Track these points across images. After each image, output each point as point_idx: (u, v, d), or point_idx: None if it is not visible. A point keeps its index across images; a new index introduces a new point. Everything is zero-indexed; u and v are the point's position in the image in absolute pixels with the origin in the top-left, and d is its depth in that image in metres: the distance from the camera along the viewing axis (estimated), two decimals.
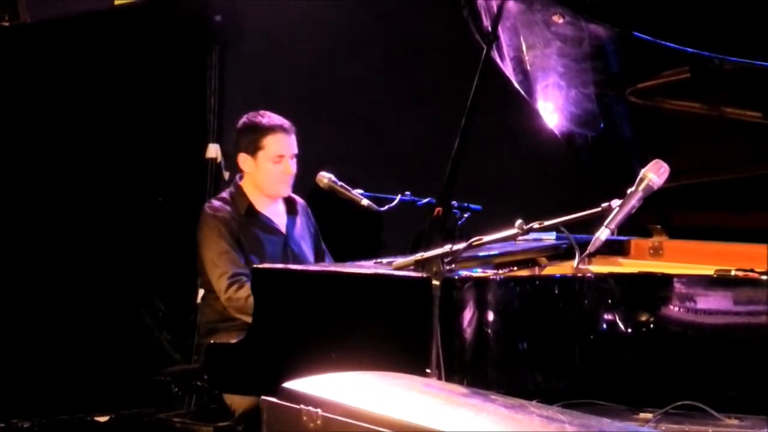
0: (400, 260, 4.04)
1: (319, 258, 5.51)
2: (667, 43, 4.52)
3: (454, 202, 5.00)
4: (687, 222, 4.98)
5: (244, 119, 5.36)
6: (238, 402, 5.02)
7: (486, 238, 3.81)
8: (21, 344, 5.94)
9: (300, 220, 5.47)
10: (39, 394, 5.96)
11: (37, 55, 6.02)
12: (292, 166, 5.30)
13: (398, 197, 5.23)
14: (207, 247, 5.20)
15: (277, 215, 5.40)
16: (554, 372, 4.16)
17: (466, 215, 5.18)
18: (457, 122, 4.67)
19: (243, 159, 5.32)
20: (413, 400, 3.05)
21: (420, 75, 6.54)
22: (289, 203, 5.45)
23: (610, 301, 4.22)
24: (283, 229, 5.38)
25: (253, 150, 5.28)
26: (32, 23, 5.85)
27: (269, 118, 5.31)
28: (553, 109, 5.03)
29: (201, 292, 5.54)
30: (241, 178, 5.38)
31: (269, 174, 5.29)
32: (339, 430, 2.89)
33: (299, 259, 5.35)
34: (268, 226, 5.33)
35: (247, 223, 5.27)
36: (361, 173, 5.83)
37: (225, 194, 5.37)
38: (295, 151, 5.32)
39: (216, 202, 5.32)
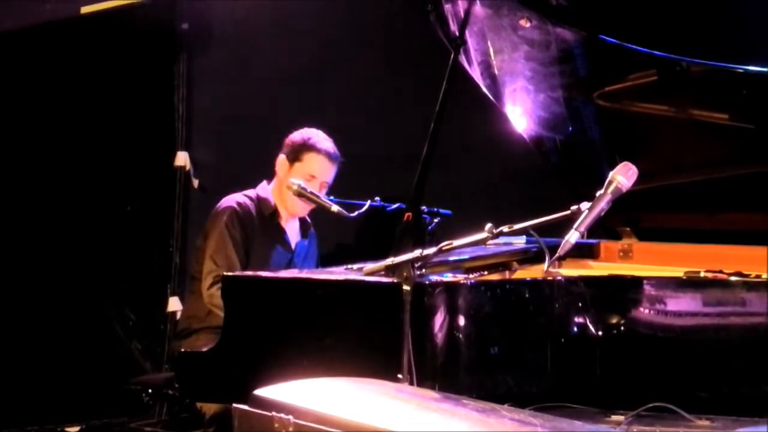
0: (370, 266, 4.03)
1: None
2: (634, 46, 4.54)
3: (424, 207, 5.00)
4: (656, 224, 4.99)
5: (303, 131, 5.35)
6: (207, 405, 5.01)
7: (456, 243, 3.81)
8: None
9: (309, 246, 5.49)
10: (8, 405, 5.93)
11: (5, 65, 5.99)
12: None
13: (368, 203, 5.23)
14: (214, 238, 5.17)
15: (293, 232, 5.42)
16: (526, 376, 4.17)
17: (436, 220, 5.18)
18: (426, 127, 4.67)
19: (281, 162, 5.32)
20: (385, 405, 3.04)
21: (388, 81, 6.53)
22: (304, 225, 5.47)
23: (580, 304, 4.23)
24: (294, 246, 5.39)
25: (293, 158, 5.28)
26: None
27: (322, 140, 5.32)
28: (521, 113, 5.04)
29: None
30: (269, 182, 5.37)
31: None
32: None
33: None
34: (282, 238, 5.34)
35: (265, 227, 5.27)
36: None
37: (251, 193, 5.34)
38: (329, 181, 5.31)
39: (242, 199, 5.28)
